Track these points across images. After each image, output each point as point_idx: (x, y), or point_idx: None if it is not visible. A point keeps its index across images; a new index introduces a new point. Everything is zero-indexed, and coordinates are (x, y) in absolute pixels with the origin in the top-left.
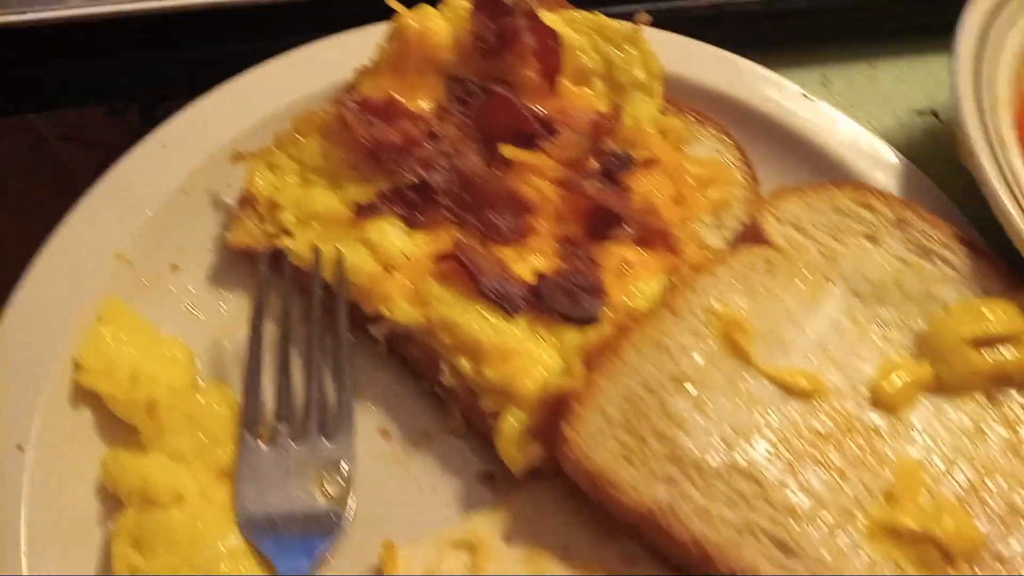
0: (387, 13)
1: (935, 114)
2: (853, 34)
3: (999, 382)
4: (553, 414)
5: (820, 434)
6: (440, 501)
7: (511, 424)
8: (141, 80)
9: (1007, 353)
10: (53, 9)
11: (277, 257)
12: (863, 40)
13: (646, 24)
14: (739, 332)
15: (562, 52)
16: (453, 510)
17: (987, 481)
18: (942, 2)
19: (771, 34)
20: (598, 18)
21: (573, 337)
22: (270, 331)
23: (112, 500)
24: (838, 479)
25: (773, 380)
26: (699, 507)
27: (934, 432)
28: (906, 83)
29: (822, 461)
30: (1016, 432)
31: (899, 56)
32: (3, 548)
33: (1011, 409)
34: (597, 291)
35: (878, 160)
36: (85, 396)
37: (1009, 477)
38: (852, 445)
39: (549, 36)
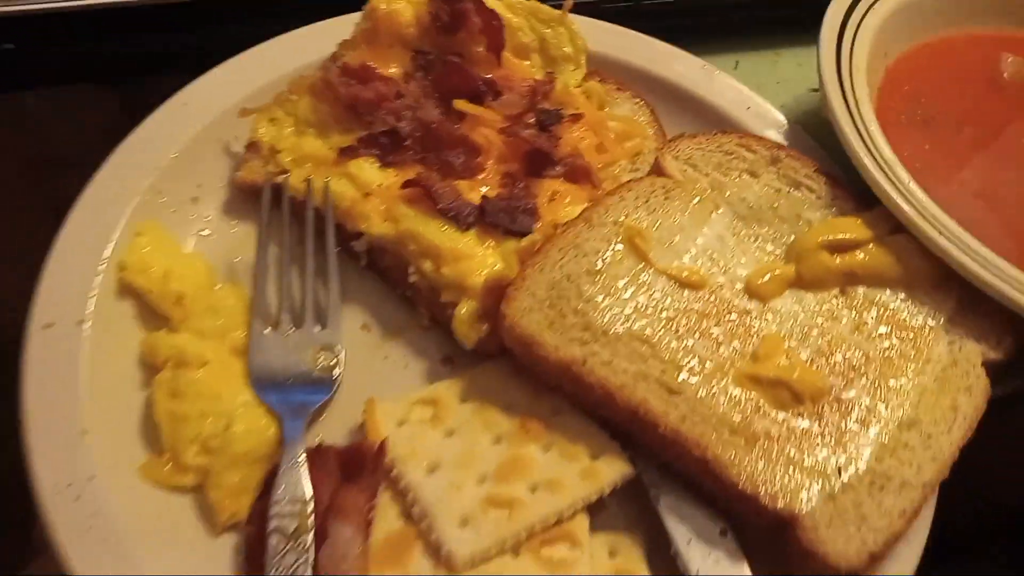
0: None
1: None
2: (761, 27)
3: (849, 280)
4: (495, 300)
5: (703, 314)
6: (410, 376)
7: (464, 311)
8: (158, 57)
9: (854, 256)
10: None
11: (277, 189)
12: (769, 32)
13: (570, 10)
14: (639, 238)
15: (504, 31)
16: (420, 383)
17: (835, 349)
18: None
19: (692, 27)
20: (533, 3)
21: (512, 245)
22: (274, 246)
23: (149, 371)
24: (715, 345)
25: (666, 275)
26: (604, 360)
27: (795, 315)
28: (804, 68)
29: (703, 333)
30: (861, 316)
31: (800, 46)
32: (69, 396)
33: (858, 300)
34: (532, 212)
35: (765, 118)
36: (128, 291)
37: (852, 347)
38: (728, 323)
39: (493, 17)
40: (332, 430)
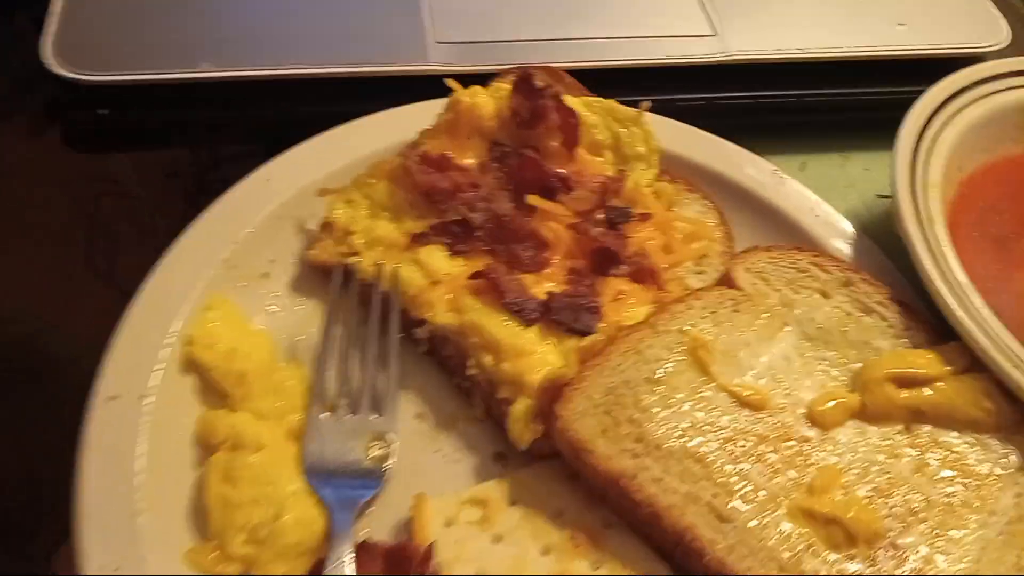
0: (447, 91)
1: None
2: (829, 129)
3: (915, 416)
4: (551, 400)
5: (761, 437)
6: (461, 471)
7: (520, 408)
8: (246, 129)
9: (923, 393)
10: (188, 71)
11: (347, 272)
12: (837, 135)
13: (646, 110)
14: (703, 351)
15: (580, 128)
16: (470, 479)
17: (894, 489)
18: (902, 107)
19: (761, 126)
20: (610, 103)
21: (573, 344)
22: (338, 328)
23: (204, 450)
24: (771, 472)
25: (727, 392)
26: (655, 477)
27: (855, 448)
28: (872, 172)
29: (760, 457)
30: (924, 456)
31: (868, 150)
32: (121, 470)
33: (923, 439)
34: (596, 311)
35: (834, 228)
36: (192, 365)
37: (913, 489)
38: (786, 449)
39: (570, 115)
40: (380, 522)
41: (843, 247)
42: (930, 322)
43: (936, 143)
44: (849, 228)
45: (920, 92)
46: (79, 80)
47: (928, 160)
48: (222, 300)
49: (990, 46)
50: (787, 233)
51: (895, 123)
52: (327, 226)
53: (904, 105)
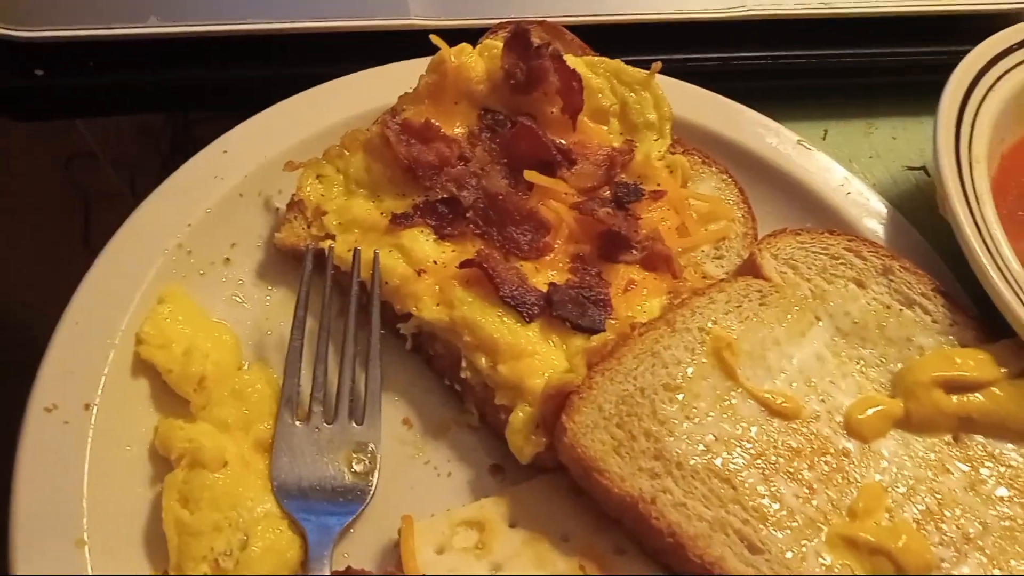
0: (431, 48)
1: (925, 170)
2: (853, 94)
3: (965, 425)
4: (555, 409)
5: (795, 451)
6: (453, 486)
7: (520, 418)
8: (205, 94)
9: (973, 398)
10: (136, 26)
11: (320, 257)
12: (862, 100)
13: (658, 72)
14: (728, 351)
15: (583, 92)
16: (464, 495)
17: (945, 511)
18: (933, 69)
19: (779, 90)
20: (616, 64)
21: (580, 343)
22: (310, 323)
23: (161, 464)
24: (807, 492)
25: (755, 399)
26: (677, 501)
27: (900, 462)
28: (899, 141)
29: (794, 475)
30: (977, 471)
31: (894, 116)
32: (68, 489)
33: (974, 451)
34: (604, 304)
35: (866, 207)
36: (144, 368)
37: (966, 510)
38: (823, 465)
39: (572, 77)
40: (363, 546)
41: (878, 229)
42: (978, 317)
43: (980, 112)
44: (884, 207)
45: (952, 54)
46: (10, 36)
47: (972, 131)
48: (176, 292)
49: None
50: (814, 213)
51: (926, 88)
52: (296, 204)
53: (935, 68)
